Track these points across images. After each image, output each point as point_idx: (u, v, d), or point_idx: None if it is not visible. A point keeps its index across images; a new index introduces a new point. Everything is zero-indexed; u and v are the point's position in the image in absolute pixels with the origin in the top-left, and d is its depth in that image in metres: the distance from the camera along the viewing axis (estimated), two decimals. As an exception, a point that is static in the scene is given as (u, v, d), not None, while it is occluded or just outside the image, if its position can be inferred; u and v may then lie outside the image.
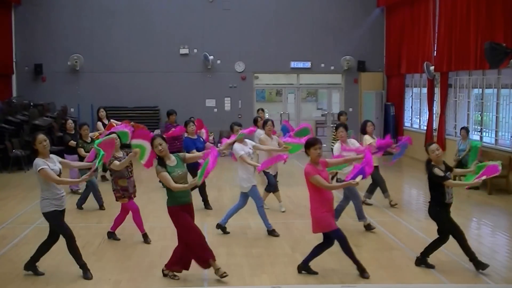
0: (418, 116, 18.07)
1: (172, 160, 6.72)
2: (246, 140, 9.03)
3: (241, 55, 19.51)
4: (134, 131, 7.53)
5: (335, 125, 10.20)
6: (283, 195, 10.66)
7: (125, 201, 8.36)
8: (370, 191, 10.76)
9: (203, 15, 19.30)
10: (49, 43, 18.90)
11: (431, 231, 8.02)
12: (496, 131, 13.61)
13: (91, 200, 10.56)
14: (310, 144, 6.77)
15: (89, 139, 10.76)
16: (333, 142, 11.91)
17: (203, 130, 11.44)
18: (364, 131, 10.43)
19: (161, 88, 19.13)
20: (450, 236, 7.09)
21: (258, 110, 15.07)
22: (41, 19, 18.83)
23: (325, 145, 7.23)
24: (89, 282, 6.78)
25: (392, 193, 10.89)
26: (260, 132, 10.86)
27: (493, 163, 6.99)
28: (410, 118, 18.77)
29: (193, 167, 9.08)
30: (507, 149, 12.79)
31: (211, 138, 13.91)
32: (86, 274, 6.88)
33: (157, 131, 13.49)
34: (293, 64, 19.80)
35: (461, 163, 12.37)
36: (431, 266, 7.22)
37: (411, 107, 18.76)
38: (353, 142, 9.40)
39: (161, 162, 6.63)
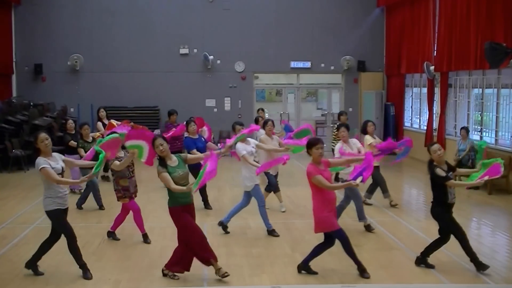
0: (418, 116, 18.06)
1: (173, 160, 6.72)
2: (249, 139, 9.01)
3: (241, 55, 19.50)
4: (127, 133, 7.44)
5: (337, 125, 10.16)
6: (283, 195, 10.66)
7: (126, 201, 8.35)
8: (370, 191, 10.76)
9: (203, 15, 19.29)
10: (49, 43, 18.89)
11: (431, 231, 8.03)
12: (496, 131, 13.60)
13: (91, 200, 10.55)
14: (311, 144, 6.78)
15: (90, 138, 10.74)
16: (333, 142, 11.90)
17: (205, 128, 11.40)
18: (364, 131, 10.41)
19: (161, 88, 19.12)
20: (451, 236, 7.09)
21: (258, 110, 15.07)
22: (41, 19, 18.82)
23: (325, 145, 7.22)
24: (89, 282, 6.78)
25: (392, 193, 10.89)
26: (261, 132, 10.86)
27: (497, 162, 7.00)
28: (410, 118, 18.76)
29: (195, 168, 9.09)
30: (507, 149, 12.78)
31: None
32: (86, 274, 6.88)
33: (157, 131, 13.47)
34: (293, 64, 19.79)
35: (461, 163, 12.36)
36: (431, 266, 7.22)
37: (411, 107, 18.75)
38: (354, 142, 9.33)
39: (162, 162, 6.63)
